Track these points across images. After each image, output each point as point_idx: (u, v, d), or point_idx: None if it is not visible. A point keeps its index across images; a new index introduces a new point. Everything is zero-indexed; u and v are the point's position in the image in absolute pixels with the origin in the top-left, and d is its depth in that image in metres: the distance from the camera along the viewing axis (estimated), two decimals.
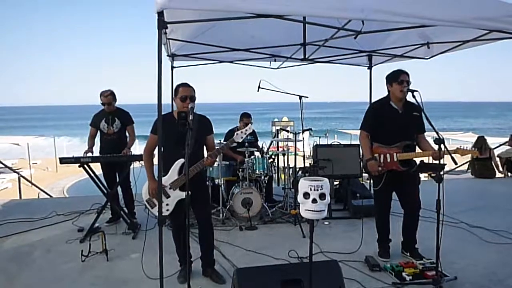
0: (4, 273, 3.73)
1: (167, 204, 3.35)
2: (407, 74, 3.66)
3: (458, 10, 2.99)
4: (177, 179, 3.35)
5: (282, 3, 2.72)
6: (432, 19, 2.96)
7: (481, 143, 8.79)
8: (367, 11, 2.75)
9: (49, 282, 3.56)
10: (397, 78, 3.65)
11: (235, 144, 3.49)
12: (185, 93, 3.32)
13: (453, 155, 3.32)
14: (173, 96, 3.42)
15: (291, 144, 6.18)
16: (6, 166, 10.06)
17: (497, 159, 9.24)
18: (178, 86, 3.40)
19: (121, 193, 5.23)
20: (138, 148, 6.96)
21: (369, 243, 4.12)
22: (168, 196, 3.36)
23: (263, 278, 2.63)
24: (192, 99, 3.31)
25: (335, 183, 6.42)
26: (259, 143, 6.50)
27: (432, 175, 3.62)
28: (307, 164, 5.62)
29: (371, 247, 4.07)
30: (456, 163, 3.35)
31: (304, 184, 2.18)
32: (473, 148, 6.72)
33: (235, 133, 3.37)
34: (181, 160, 3.31)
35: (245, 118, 5.94)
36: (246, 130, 3.36)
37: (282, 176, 7.89)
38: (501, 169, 9.10)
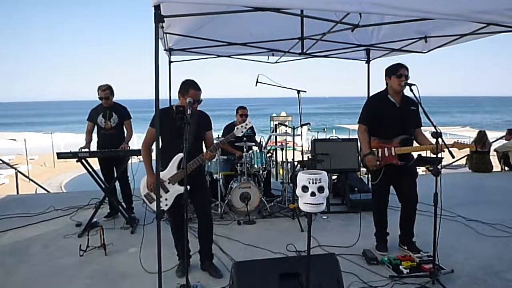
0: (2, 268, 3.73)
1: (166, 199, 3.35)
2: (407, 69, 3.66)
3: (456, 3, 2.99)
4: (176, 173, 3.34)
5: None
6: (429, 12, 2.95)
7: (483, 138, 8.81)
8: (365, 4, 2.74)
9: (47, 276, 3.56)
10: (396, 72, 3.65)
11: (233, 139, 3.49)
12: (194, 96, 3.24)
13: (450, 149, 3.33)
14: (180, 92, 3.33)
15: (289, 138, 6.19)
16: (3, 162, 10.03)
17: (494, 153, 9.28)
18: (189, 85, 3.30)
19: (119, 188, 5.23)
20: (136, 143, 6.95)
21: (367, 237, 4.14)
22: (167, 191, 3.35)
23: (261, 272, 2.64)
24: (199, 102, 3.32)
25: (333, 177, 6.44)
26: (257, 138, 6.51)
27: (430, 168, 3.63)
28: (305, 159, 5.62)
29: (368, 241, 4.09)
30: (453, 157, 3.36)
31: (302, 177, 2.18)
32: (473, 143, 6.73)
33: (235, 128, 3.35)
34: (180, 155, 3.27)
35: (241, 110, 5.99)
36: (246, 124, 3.35)
37: (281, 170, 7.89)
38: (498, 163, 9.14)
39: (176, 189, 3.35)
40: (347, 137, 11.40)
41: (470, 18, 3.11)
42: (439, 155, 3.18)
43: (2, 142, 24.23)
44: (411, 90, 3.36)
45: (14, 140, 22.79)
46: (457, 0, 2.99)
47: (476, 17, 3.10)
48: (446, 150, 3.26)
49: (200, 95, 3.33)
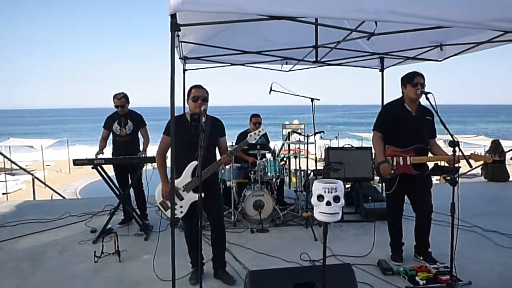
0: (19, 273, 3.78)
1: (181, 206, 3.36)
2: (422, 77, 3.62)
3: (472, 11, 2.96)
4: (190, 181, 3.35)
5: (295, 4, 2.72)
6: (446, 20, 2.93)
7: (498, 148, 8.69)
8: (381, 13, 2.73)
9: (62, 282, 3.59)
10: (412, 80, 3.62)
11: (246, 146, 3.50)
12: (197, 93, 3.34)
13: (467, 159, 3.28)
14: (186, 98, 3.46)
15: (302, 146, 6.18)
16: (20, 168, 10.20)
17: (511, 162, 9.11)
18: (191, 87, 3.44)
19: (133, 194, 5.27)
20: (149, 150, 7.02)
21: (381, 247, 4.08)
22: (181, 199, 3.37)
23: (276, 281, 2.63)
24: (204, 99, 3.33)
25: (347, 186, 6.39)
26: (271, 145, 6.51)
27: (447, 178, 3.58)
28: (319, 167, 5.59)
29: (383, 251, 4.03)
30: (471, 166, 3.30)
31: (318, 186, 2.16)
32: (487, 154, 6.64)
33: (248, 135, 3.36)
34: (194, 163, 3.30)
35: (254, 117, 6.02)
36: (259, 131, 3.36)
37: (293, 179, 7.86)
38: None
39: (191, 197, 3.36)
40: (360, 145, 11.32)
41: (487, 26, 3.07)
42: (456, 165, 3.13)
43: (20, 149, 24.70)
44: (427, 99, 3.32)
45: (31, 146, 23.21)
46: (473, 8, 2.96)
47: (492, 25, 3.06)
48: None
49: (204, 92, 3.38)
